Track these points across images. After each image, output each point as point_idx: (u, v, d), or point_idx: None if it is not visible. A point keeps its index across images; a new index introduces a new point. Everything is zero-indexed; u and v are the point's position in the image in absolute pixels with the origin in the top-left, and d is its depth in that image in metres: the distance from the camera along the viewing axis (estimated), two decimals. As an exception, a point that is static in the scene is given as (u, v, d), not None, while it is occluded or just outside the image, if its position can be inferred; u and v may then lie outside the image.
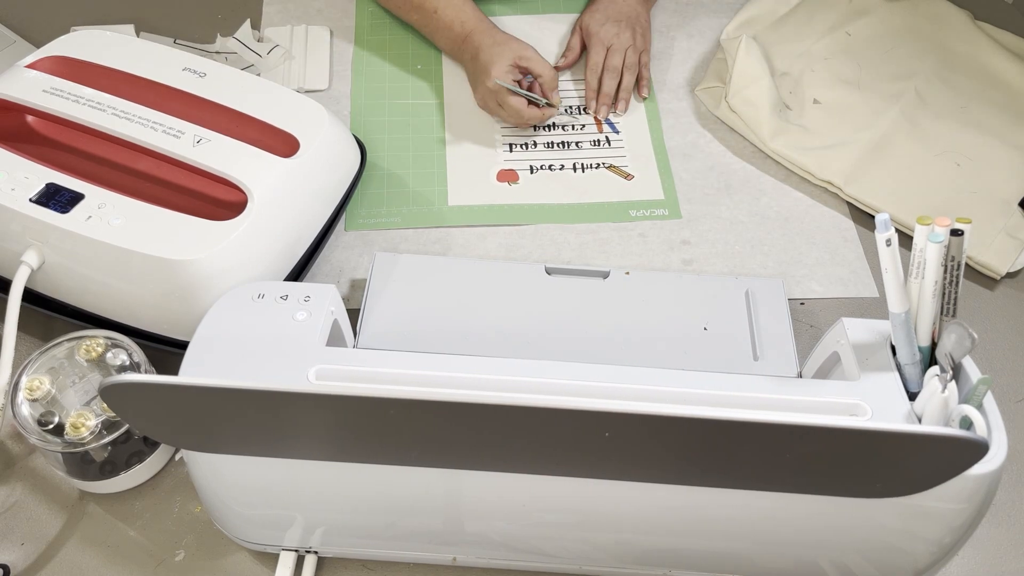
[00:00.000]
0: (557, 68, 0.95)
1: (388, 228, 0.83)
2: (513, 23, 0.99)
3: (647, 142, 0.91)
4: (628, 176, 0.88)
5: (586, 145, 0.90)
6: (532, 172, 0.88)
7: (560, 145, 0.90)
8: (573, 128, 0.92)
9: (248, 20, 0.97)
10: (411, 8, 0.95)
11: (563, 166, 0.88)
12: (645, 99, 0.94)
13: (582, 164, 0.88)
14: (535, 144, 0.90)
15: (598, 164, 0.89)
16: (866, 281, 0.81)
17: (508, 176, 0.87)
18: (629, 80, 0.93)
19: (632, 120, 0.93)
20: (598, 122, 0.92)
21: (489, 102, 0.90)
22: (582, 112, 0.93)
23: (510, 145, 0.90)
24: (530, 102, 0.88)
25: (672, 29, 1.02)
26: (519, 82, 0.89)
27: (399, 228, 0.83)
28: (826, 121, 0.91)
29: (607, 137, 0.91)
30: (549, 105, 0.89)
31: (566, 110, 0.93)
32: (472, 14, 0.92)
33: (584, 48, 0.96)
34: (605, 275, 0.75)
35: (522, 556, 0.62)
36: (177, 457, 0.68)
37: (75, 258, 0.67)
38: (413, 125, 0.91)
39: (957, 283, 0.57)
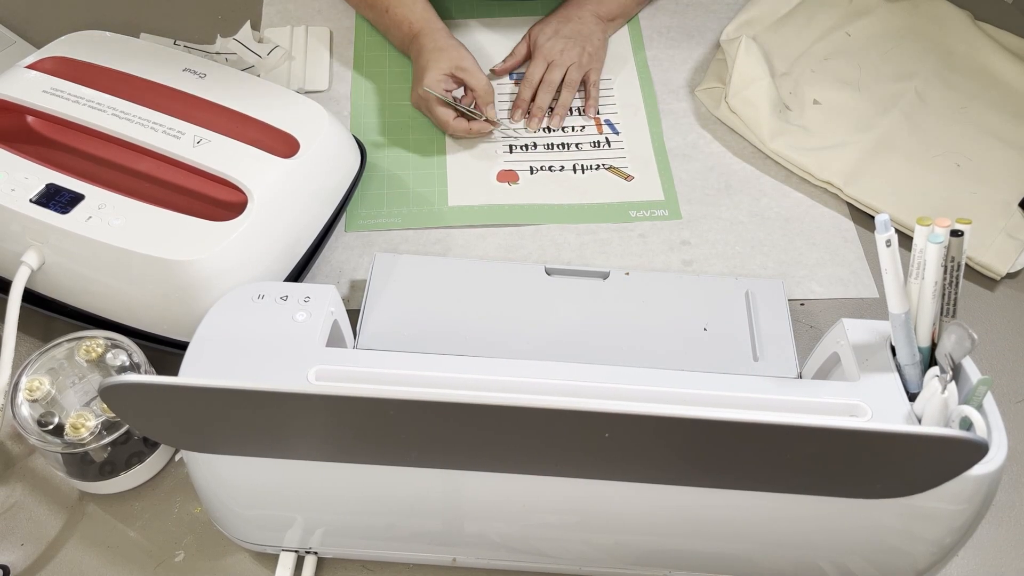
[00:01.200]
0: (493, 71, 0.94)
1: (388, 229, 0.83)
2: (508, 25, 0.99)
3: (647, 143, 0.91)
4: (628, 177, 0.88)
5: (586, 146, 0.90)
6: (532, 173, 0.88)
7: (560, 146, 0.90)
8: (573, 129, 0.92)
9: (248, 21, 0.97)
10: (365, 6, 0.96)
11: (563, 167, 0.88)
12: (592, 119, 0.92)
13: (582, 165, 0.88)
14: (535, 145, 0.90)
15: (598, 165, 0.89)
16: (866, 282, 0.81)
17: (508, 177, 0.87)
18: (567, 96, 0.92)
19: (632, 122, 0.93)
20: (598, 123, 0.92)
21: (421, 106, 0.89)
22: (581, 112, 0.93)
23: (510, 146, 0.90)
24: (461, 114, 0.87)
25: (672, 29, 1.02)
26: (455, 92, 0.88)
27: (399, 229, 0.83)
28: (826, 122, 0.91)
29: (607, 138, 0.91)
30: (488, 121, 0.87)
31: (568, 110, 0.92)
32: (421, 15, 0.91)
33: (528, 57, 0.95)
34: (605, 276, 0.75)
35: (522, 557, 0.62)
36: (177, 458, 0.68)
37: (75, 259, 0.67)
38: (413, 126, 0.91)
39: (957, 284, 0.57)
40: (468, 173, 0.87)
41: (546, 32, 0.94)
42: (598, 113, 0.93)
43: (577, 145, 0.90)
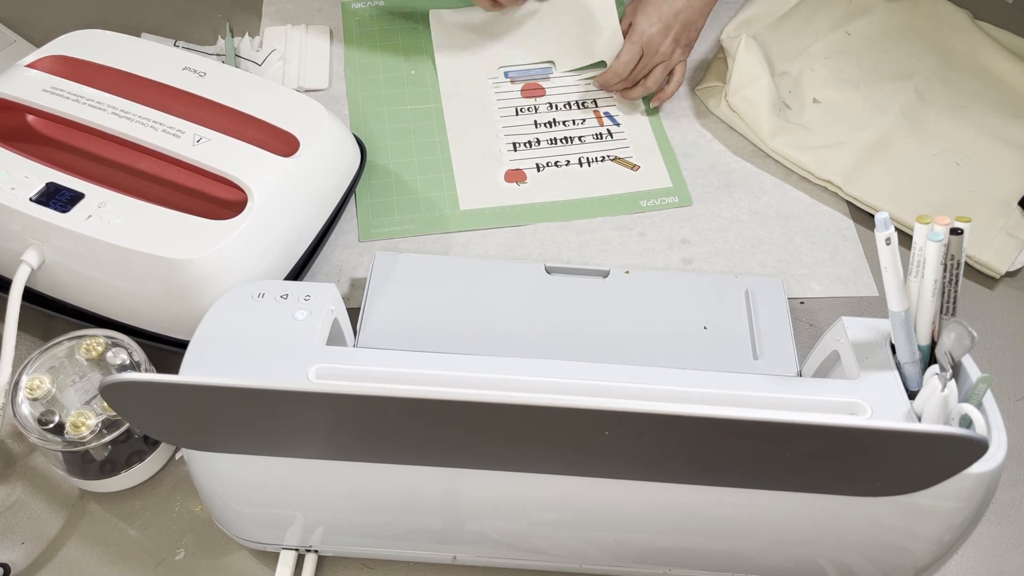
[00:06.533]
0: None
1: (404, 236, 0.82)
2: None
3: (648, 132, 0.91)
4: (634, 167, 0.88)
5: (589, 139, 0.91)
6: (539, 170, 0.88)
7: (563, 140, 0.90)
8: (574, 123, 0.92)
9: (246, 33, 0.97)
10: None
11: (568, 161, 0.88)
12: (654, 108, 0.93)
13: (587, 158, 0.89)
14: (538, 141, 0.90)
15: (603, 157, 0.89)
16: (866, 280, 0.81)
17: (516, 176, 0.87)
18: (638, 93, 0.92)
19: (631, 112, 0.93)
20: (598, 115, 0.92)
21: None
22: (579, 106, 0.93)
23: (513, 144, 0.90)
24: None
25: (672, 28, 1.02)
26: None
27: (414, 235, 0.82)
28: (826, 120, 0.91)
29: (608, 130, 0.91)
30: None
31: (566, 105, 0.93)
32: None
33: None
34: (605, 274, 0.75)
35: (522, 555, 0.62)
36: (177, 456, 0.69)
37: (75, 257, 0.67)
38: (414, 131, 0.91)
39: (957, 282, 0.57)
40: (475, 175, 0.87)
41: (649, 16, 0.88)
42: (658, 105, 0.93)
43: (580, 138, 0.91)
